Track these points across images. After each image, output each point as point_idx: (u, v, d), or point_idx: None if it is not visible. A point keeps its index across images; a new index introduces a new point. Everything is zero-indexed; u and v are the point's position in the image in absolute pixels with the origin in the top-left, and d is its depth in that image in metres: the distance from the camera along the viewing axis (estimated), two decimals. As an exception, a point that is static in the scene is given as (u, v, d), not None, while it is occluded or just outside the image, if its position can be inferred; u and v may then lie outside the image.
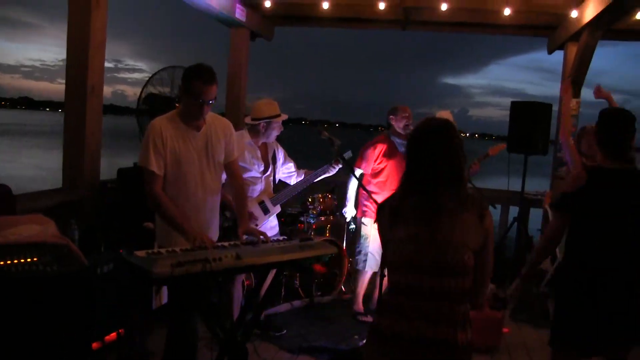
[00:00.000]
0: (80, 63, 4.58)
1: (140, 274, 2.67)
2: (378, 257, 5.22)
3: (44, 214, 3.19)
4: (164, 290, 4.26)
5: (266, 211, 4.50)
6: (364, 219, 5.37)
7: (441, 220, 2.18)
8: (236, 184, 3.62)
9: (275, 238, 4.52)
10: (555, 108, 7.08)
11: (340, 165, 4.75)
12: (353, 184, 5.36)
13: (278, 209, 4.63)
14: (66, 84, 4.67)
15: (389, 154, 5.29)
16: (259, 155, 4.52)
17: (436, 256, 2.16)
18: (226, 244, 3.19)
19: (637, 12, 6.16)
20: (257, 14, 7.61)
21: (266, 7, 7.14)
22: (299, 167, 4.93)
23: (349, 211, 5.50)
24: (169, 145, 3.26)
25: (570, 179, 3.23)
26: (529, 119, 6.58)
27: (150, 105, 5.25)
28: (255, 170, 4.47)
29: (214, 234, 3.63)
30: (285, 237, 3.70)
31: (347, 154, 4.71)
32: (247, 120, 4.52)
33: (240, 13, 7.15)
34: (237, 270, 3.26)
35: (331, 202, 6.09)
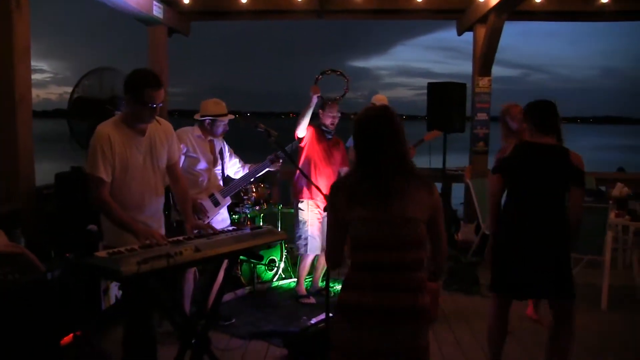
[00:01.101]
0: (5, 72, 4.40)
1: (107, 274, 2.70)
2: (318, 240, 5.45)
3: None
4: (112, 290, 4.28)
5: (216, 203, 4.66)
6: (300, 204, 5.53)
7: (394, 201, 2.38)
8: (179, 186, 3.71)
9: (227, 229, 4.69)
10: (469, 86, 7.48)
11: (280, 159, 4.95)
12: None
13: (228, 200, 4.79)
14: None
15: (317, 140, 5.50)
16: (208, 148, 4.72)
17: (394, 232, 2.37)
18: (180, 238, 3.28)
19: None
20: (174, 10, 7.58)
21: (184, 3, 7.13)
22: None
23: None
24: (117, 151, 3.29)
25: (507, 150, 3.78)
26: (445, 99, 6.91)
27: (80, 110, 5.17)
28: (205, 162, 4.65)
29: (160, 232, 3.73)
30: (235, 228, 3.81)
31: (289, 147, 4.92)
32: (196, 116, 4.73)
33: (157, 10, 7.10)
34: (197, 262, 3.32)
35: (264, 192, 6.22)
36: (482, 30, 7.41)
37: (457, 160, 7.79)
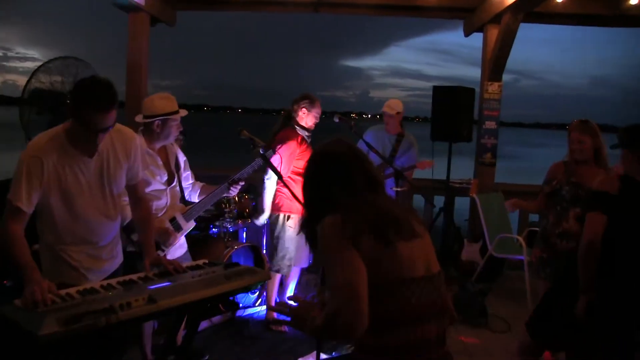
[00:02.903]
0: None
1: (19, 334, 2.02)
2: (295, 254, 4.91)
3: None
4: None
5: (178, 229, 3.85)
6: (289, 221, 4.86)
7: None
8: (142, 209, 3.08)
9: (183, 256, 3.94)
10: (477, 90, 6.86)
11: (241, 183, 4.10)
12: (270, 187, 4.89)
13: (192, 224, 3.98)
14: None
15: (305, 150, 4.84)
16: (160, 162, 3.82)
17: (437, 292, 1.98)
18: (135, 277, 2.61)
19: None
20: (156, -3, 6.92)
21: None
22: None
23: (264, 218, 5.02)
24: (51, 176, 2.65)
25: (607, 181, 3.16)
26: (452, 105, 6.32)
27: (37, 101, 4.53)
28: (157, 182, 3.77)
29: (118, 261, 3.10)
30: (207, 262, 3.11)
31: (269, 153, 4.11)
32: (139, 119, 3.79)
33: (138, -4, 6.44)
34: (151, 316, 2.57)
35: (247, 203, 5.56)
36: (494, 32, 6.75)
37: (462, 172, 7.14)
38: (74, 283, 2.63)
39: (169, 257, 3.75)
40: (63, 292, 2.33)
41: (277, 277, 4.99)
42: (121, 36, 7.30)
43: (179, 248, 3.94)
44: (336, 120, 4.91)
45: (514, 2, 5.80)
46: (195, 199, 4.14)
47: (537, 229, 4.79)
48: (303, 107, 4.86)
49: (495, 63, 6.77)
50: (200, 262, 3.08)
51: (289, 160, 4.75)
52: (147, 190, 3.64)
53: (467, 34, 7.57)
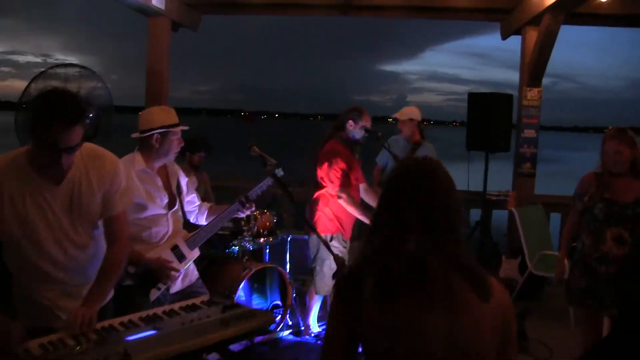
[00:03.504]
0: None
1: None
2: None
3: None
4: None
5: (182, 258, 3.46)
6: (333, 241, 4.57)
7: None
8: (112, 252, 2.65)
9: (194, 289, 3.57)
10: (515, 95, 6.43)
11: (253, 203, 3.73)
12: (348, 205, 4.57)
13: (196, 253, 3.58)
14: None
15: (354, 162, 4.63)
16: (160, 184, 3.43)
17: None
18: (116, 322, 2.30)
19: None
20: (178, 1, 6.66)
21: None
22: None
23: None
24: (7, 205, 2.35)
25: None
26: (488, 112, 5.93)
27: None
28: (157, 206, 3.39)
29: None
30: (205, 301, 2.75)
31: (278, 172, 3.73)
32: (135, 135, 3.41)
33: (157, 0, 6.19)
34: None
35: (269, 220, 5.21)
36: (532, 34, 6.31)
37: (500, 183, 6.71)
38: (47, 326, 2.32)
39: (173, 289, 3.44)
40: (23, 346, 2.02)
41: (319, 299, 4.73)
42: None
43: (186, 277, 3.57)
44: (363, 132, 4.60)
45: (555, 2, 5.36)
46: (203, 221, 3.78)
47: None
48: (350, 119, 4.58)
49: (534, 67, 6.33)
50: (199, 300, 2.74)
51: (342, 173, 4.51)
52: (145, 215, 3.31)
53: (504, 37, 7.13)
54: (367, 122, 4.60)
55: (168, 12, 6.47)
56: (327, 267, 4.53)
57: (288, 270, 5.34)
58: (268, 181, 3.65)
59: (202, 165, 5.64)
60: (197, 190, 5.65)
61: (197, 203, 3.78)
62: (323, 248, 4.43)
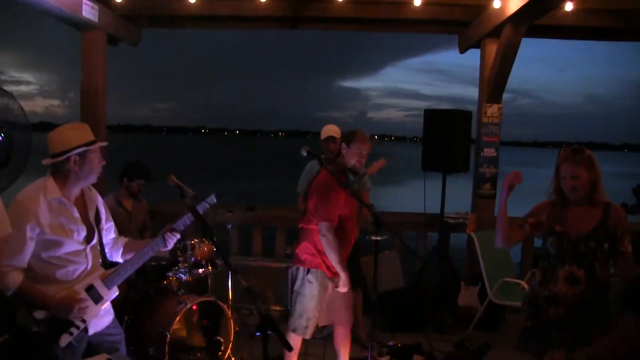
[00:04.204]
0: None
1: None
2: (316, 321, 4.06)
3: None
4: None
5: (98, 299, 3.04)
6: (310, 275, 4.00)
7: None
8: None
9: (110, 331, 3.20)
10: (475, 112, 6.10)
11: (177, 235, 3.29)
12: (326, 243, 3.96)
13: (115, 292, 3.16)
14: None
15: (345, 195, 3.99)
16: (77, 215, 3.01)
17: None
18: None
19: (564, 5, 5.28)
20: (113, 14, 6.17)
21: (118, 3, 5.75)
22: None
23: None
24: None
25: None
26: (446, 130, 5.59)
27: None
28: (74, 241, 2.97)
29: None
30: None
31: (211, 199, 3.29)
32: (46, 161, 2.98)
33: (89, 11, 5.69)
34: None
35: (209, 249, 4.75)
36: (492, 47, 5.99)
37: (458, 205, 6.35)
38: None
39: (91, 330, 3.04)
40: None
41: (298, 339, 4.09)
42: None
43: (102, 317, 3.15)
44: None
45: (516, 12, 5.02)
46: (118, 258, 3.33)
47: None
48: (343, 143, 4.06)
49: (494, 82, 6.00)
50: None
51: (325, 207, 3.93)
52: (60, 252, 2.91)
53: (462, 51, 6.82)
54: (362, 146, 4.00)
55: (102, 25, 5.97)
56: (302, 308, 4.01)
57: (230, 302, 4.89)
58: (190, 217, 3.19)
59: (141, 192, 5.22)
60: (135, 218, 5.17)
61: (114, 235, 3.33)
62: (304, 282, 4.00)
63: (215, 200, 3.29)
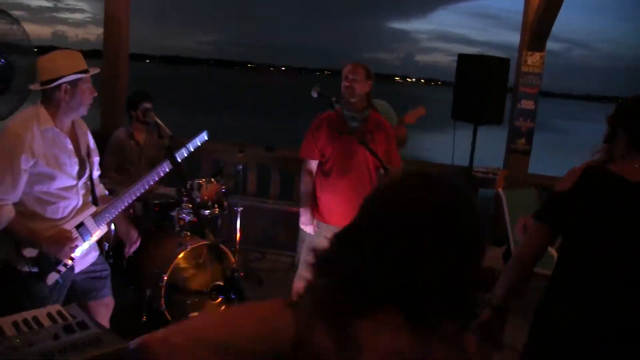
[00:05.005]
0: None
1: None
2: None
3: None
4: None
5: (86, 235, 2.90)
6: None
7: None
8: None
9: (96, 268, 3.09)
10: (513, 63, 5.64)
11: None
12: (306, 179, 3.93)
13: (104, 229, 3.02)
14: None
15: (332, 135, 3.79)
16: (70, 147, 2.84)
17: None
18: None
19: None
20: None
21: None
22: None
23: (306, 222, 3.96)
24: None
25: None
26: (479, 79, 5.18)
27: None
28: (67, 175, 2.82)
29: None
30: (49, 314, 2.13)
31: (201, 137, 3.07)
32: (35, 87, 2.81)
33: None
34: None
35: (216, 190, 4.55)
36: (537, -8, 5.48)
37: (489, 159, 5.99)
38: None
39: (77, 268, 2.94)
40: None
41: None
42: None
43: (88, 254, 3.02)
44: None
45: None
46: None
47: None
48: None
49: (538, 28, 5.49)
50: (36, 313, 2.08)
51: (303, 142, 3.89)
52: (52, 187, 2.76)
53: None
54: (345, 73, 3.74)
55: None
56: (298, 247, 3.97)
57: (238, 244, 4.72)
58: (202, 136, 3.03)
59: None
60: (147, 152, 4.96)
61: (98, 172, 3.15)
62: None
63: (205, 138, 3.08)
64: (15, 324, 1.98)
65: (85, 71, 2.81)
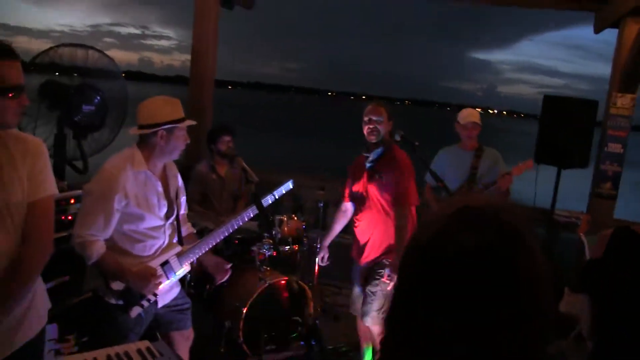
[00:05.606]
0: None
1: None
2: None
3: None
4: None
5: (170, 273, 3.08)
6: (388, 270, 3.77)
7: None
8: (29, 248, 2.12)
9: (177, 302, 3.24)
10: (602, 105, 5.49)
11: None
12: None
13: (187, 268, 3.17)
14: None
15: (356, 173, 3.94)
16: (161, 189, 3.00)
17: None
18: None
19: None
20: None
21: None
22: None
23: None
24: None
25: None
26: (565, 121, 5.06)
27: (47, 94, 3.91)
28: (155, 216, 2.98)
29: (28, 328, 2.23)
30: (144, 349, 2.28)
31: (286, 186, 3.19)
32: (134, 131, 2.96)
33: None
34: None
35: (297, 226, 4.66)
36: (633, 27, 5.29)
37: (573, 202, 5.82)
38: None
39: (160, 303, 3.10)
40: None
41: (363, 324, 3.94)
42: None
43: (170, 291, 3.19)
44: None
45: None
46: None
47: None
48: None
49: (631, 68, 5.34)
50: (126, 348, 2.23)
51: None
52: (141, 227, 2.91)
53: (597, 30, 6.15)
54: (367, 114, 3.76)
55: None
56: (380, 302, 3.75)
57: (316, 279, 4.80)
58: (254, 209, 3.12)
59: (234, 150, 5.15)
60: (229, 186, 5.10)
61: (184, 212, 3.31)
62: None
63: (291, 187, 3.20)
64: (108, 358, 2.13)
65: (181, 120, 2.97)
